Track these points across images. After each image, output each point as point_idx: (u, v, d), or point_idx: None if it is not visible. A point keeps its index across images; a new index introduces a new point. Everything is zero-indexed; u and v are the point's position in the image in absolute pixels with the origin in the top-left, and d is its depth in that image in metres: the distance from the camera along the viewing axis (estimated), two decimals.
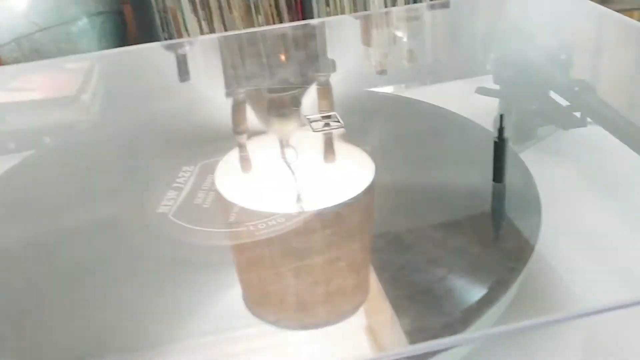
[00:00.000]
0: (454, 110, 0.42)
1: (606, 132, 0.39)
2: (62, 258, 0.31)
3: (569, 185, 0.39)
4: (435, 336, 0.27)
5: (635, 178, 0.39)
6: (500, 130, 0.33)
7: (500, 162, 0.33)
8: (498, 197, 0.34)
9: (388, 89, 0.53)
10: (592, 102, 0.40)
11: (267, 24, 1.09)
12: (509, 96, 0.44)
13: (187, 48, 0.55)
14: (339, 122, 0.40)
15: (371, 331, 0.28)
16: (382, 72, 0.64)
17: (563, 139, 0.43)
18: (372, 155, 0.37)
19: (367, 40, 0.67)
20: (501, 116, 0.33)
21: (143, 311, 0.28)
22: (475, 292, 0.29)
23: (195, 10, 1.07)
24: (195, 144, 0.39)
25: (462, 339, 0.27)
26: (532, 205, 0.33)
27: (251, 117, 0.44)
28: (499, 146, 0.33)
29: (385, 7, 1.12)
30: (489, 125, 0.42)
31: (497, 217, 0.34)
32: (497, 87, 0.44)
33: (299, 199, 0.34)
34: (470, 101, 0.43)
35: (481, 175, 0.35)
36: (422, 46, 0.63)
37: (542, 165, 0.39)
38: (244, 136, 0.41)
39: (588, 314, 0.26)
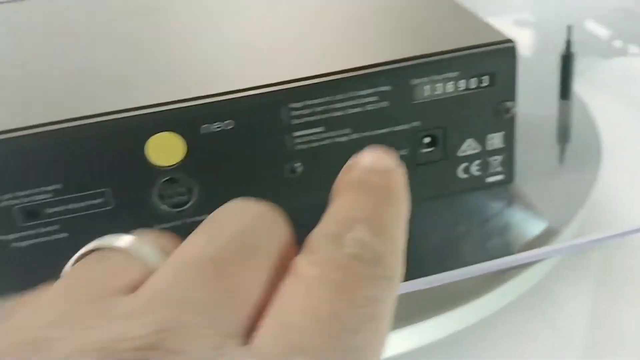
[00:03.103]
0: None
1: None
2: None
3: (617, 114, 0.38)
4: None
5: None
6: (568, 43, 0.31)
7: (568, 77, 0.32)
8: (564, 115, 0.32)
9: None
10: (635, 31, 0.39)
11: None
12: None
13: None
14: None
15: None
16: None
17: (602, 69, 0.42)
18: None
19: None
20: (569, 28, 0.31)
21: None
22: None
23: None
24: None
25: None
26: (590, 132, 0.32)
27: None
28: (567, 59, 0.31)
29: None
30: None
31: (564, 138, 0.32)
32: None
33: None
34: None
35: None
36: None
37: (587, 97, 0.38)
38: None
39: None
